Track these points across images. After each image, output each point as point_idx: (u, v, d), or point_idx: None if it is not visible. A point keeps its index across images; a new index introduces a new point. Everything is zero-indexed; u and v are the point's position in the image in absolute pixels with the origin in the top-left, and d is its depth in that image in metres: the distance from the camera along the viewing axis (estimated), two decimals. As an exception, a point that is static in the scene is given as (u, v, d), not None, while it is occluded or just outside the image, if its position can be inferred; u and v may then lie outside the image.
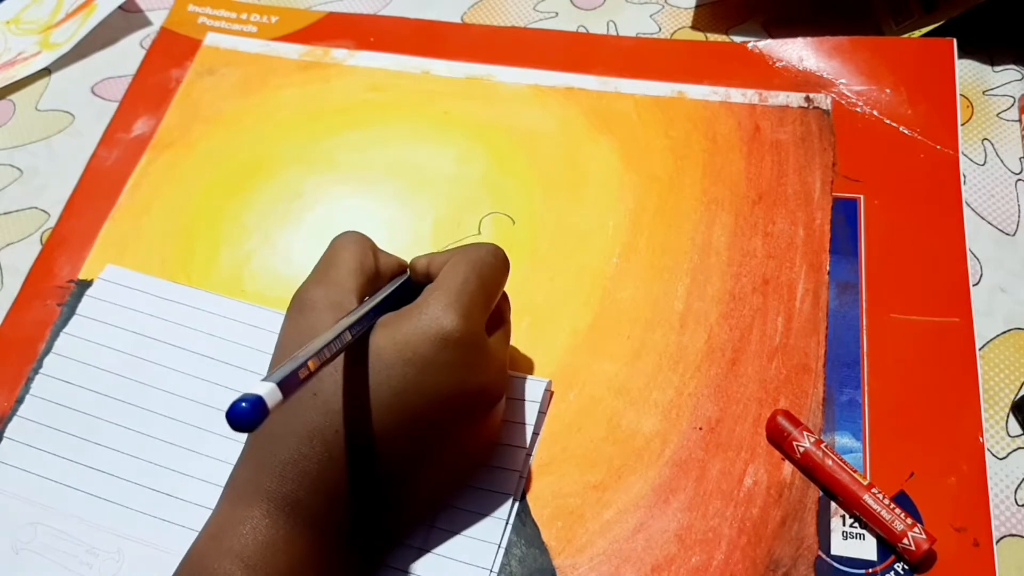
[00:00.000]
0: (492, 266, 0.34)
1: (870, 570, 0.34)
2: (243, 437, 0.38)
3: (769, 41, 0.50)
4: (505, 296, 0.36)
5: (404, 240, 0.45)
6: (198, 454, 0.38)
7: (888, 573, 0.33)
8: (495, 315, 0.35)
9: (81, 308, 0.43)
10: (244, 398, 0.23)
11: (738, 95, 0.48)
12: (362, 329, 0.31)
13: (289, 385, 0.25)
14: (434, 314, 0.31)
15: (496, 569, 0.34)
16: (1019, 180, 0.44)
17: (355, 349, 0.31)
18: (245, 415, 0.23)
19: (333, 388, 0.31)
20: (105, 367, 0.41)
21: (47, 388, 0.40)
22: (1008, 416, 0.37)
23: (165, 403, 0.39)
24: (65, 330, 0.42)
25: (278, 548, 0.29)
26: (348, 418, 0.30)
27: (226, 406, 0.38)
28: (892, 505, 0.34)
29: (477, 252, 0.34)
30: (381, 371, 0.31)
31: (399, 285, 0.35)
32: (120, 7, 0.56)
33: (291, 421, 0.30)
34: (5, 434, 0.39)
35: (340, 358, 0.31)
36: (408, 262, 0.37)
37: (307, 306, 0.33)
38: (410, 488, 0.33)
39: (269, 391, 0.24)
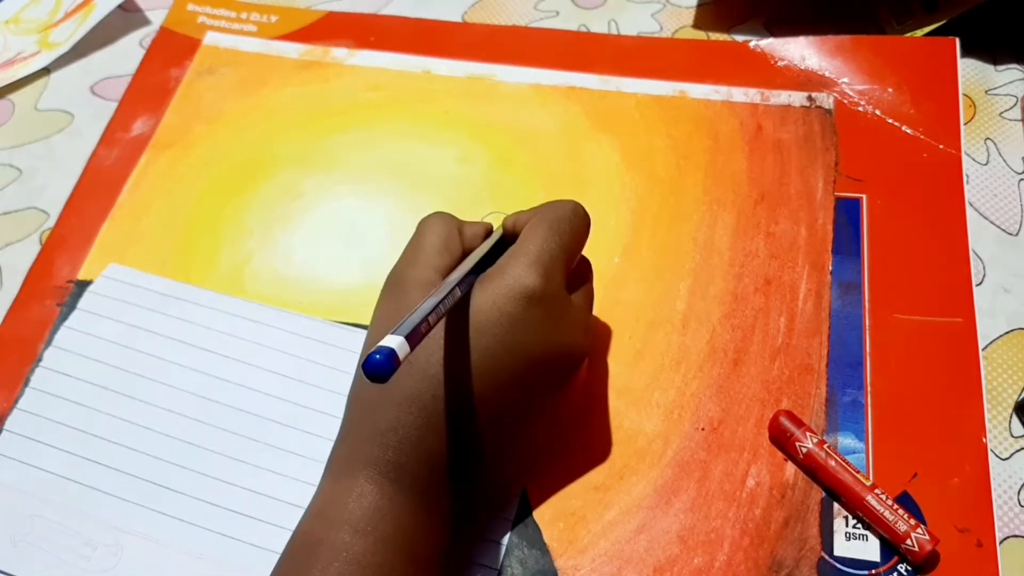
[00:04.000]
0: (571, 223, 0.35)
1: (873, 571, 0.33)
2: (242, 432, 0.38)
3: (771, 40, 0.50)
4: (585, 259, 0.37)
5: (404, 240, 0.44)
6: (197, 447, 0.38)
7: (891, 574, 0.33)
8: (576, 275, 0.36)
9: (82, 303, 0.43)
10: (378, 350, 0.24)
11: (740, 94, 0.48)
12: (468, 286, 0.32)
13: (414, 338, 0.26)
14: (516, 274, 0.32)
15: (498, 570, 0.34)
16: (1022, 180, 0.44)
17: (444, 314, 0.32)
18: (380, 365, 0.24)
19: (426, 354, 0.31)
20: (105, 360, 0.41)
21: (47, 381, 0.40)
22: (1011, 417, 0.37)
23: (165, 397, 0.39)
24: (66, 324, 0.42)
25: (384, 512, 0.30)
26: (443, 382, 0.31)
27: (226, 400, 0.39)
28: (895, 506, 0.34)
29: (555, 211, 0.35)
30: (471, 333, 0.31)
31: (495, 244, 0.36)
32: (119, 6, 0.56)
33: (388, 389, 0.31)
34: (4, 427, 0.39)
35: None
36: (495, 226, 0.38)
37: (398, 286, 0.34)
38: (503, 452, 0.34)
39: (399, 343, 0.25)
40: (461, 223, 0.37)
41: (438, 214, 0.37)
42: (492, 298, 0.32)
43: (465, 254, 0.36)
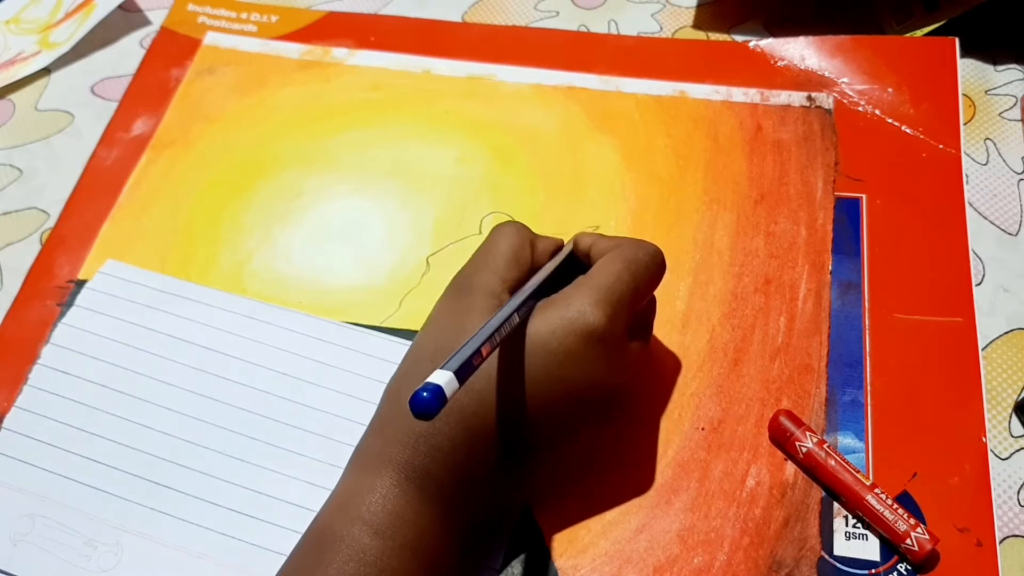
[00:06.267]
0: (647, 268, 0.34)
1: (873, 571, 0.33)
2: (242, 431, 0.38)
3: (771, 40, 0.50)
4: (653, 301, 0.36)
5: (404, 240, 0.44)
6: (197, 446, 0.38)
7: (891, 574, 0.33)
8: (640, 320, 0.35)
9: (80, 300, 0.43)
10: (425, 387, 0.24)
11: (740, 94, 0.48)
12: (528, 310, 0.32)
13: (464, 372, 0.26)
14: (581, 308, 0.32)
15: (498, 569, 0.34)
16: (1021, 180, 0.44)
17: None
18: (427, 404, 0.24)
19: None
20: (103, 358, 0.41)
21: (45, 379, 0.40)
22: (1011, 416, 0.37)
23: (164, 394, 0.39)
24: (63, 321, 0.42)
25: (407, 519, 0.30)
26: (487, 400, 0.31)
27: (226, 398, 0.39)
28: (895, 505, 0.34)
29: (635, 252, 0.34)
30: (524, 358, 0.31)
31: (562, 262, 0.35)
32: (120, 6, 0.56)
33: None
34: (3, 425, 0.39)
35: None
36: (566, 241, 0.37)
37: (463, 289, 0.34)
38: (531, 473, 0.34)
39: (448, 380, 0.25)
40: (534, 236, 0.36)
41: (513, 223, 0.36)
42: (551, 327, 0.31)
43: (534, 268, 0.35)
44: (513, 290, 0.33)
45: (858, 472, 0.35)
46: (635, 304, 0.34)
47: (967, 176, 0.44)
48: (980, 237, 0.42)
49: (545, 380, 0.31)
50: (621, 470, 0.36)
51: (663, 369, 0.39)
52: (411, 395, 0.24)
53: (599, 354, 0.32)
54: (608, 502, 0.36)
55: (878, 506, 0.34)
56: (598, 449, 0.37)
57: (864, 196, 0.43)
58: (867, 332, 0.39)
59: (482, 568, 0.34)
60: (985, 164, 0.45)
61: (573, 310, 0.31)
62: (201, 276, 0.44)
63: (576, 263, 0.36)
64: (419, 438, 0.30)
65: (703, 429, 0.37)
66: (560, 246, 0.37)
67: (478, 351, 0.27)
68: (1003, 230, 0.43)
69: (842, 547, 0.34)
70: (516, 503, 0.36)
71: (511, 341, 0.31)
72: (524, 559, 0.35)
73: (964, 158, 0.44)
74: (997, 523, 0.34)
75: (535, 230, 0.44)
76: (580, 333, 0.31)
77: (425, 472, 0.30)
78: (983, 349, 0.39)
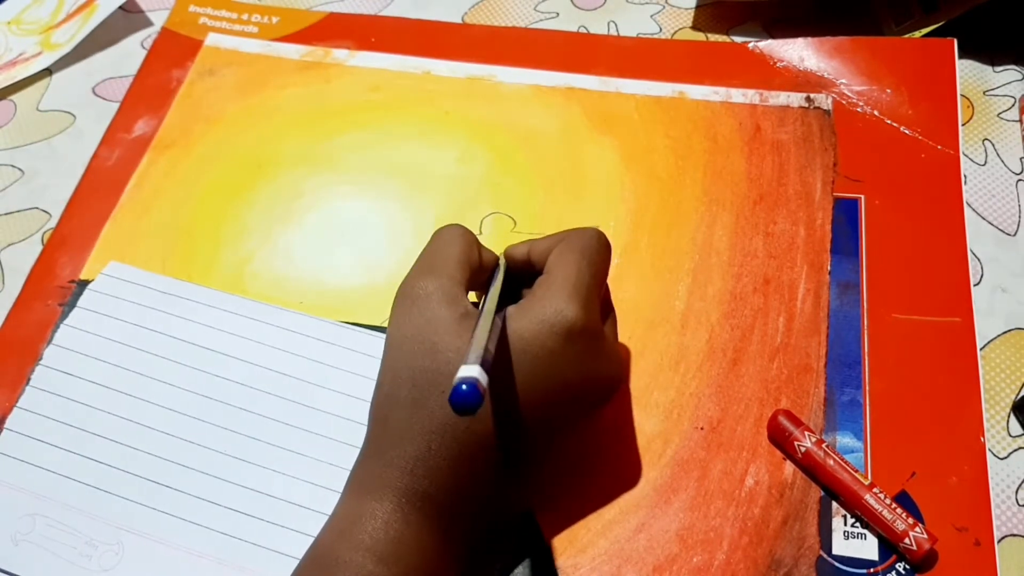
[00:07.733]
0: (599, 252, 0.34)
1: (871, 570, 0.34)
2: (243, 431, 0.38)
3: (770, 41, 0.50)
4: (607, 286, 0.36)
5: (405, 240, 0.45)
6: (198, 446, 0.38)
7: (889, 573, 0.33)
8: (604, 303, 0.35)
9: (82, 301, 0.43)
10: (463, 381, 0.24)
11: (739, 95, 0.48)
12: (501, 319, 0.31)
13: (486, 366, 0.25)
14: (556, 307, 0.31)
15: (499, 570, 0.34)
16: (1020, 180, 0.45)
17: None
18: (469, 397, 0.24)
19: None
20: (105, 359, 0.41)
21: (47, 379, 0.40)
22: (1009, 416, 0.37)
23: (165, 395, 0.40)
24: (66, 322, 0.42)
25: (409, 543, 0.29)
26: (478, 414, 0.30)
27: (227, 398, 0.39)
28: (893, 505, 0.34)
29: (582, 239, 0.34)
30: (509, 366, 0.31)
31: (504, 276, 0.35)
32: (121, 7, 0.56)
33: (420, 418, 0.30)
34: (5, 425, 0.39)
35: None
36: (501, 254, 0.37)
37: (421, 299, 0.32)
38: (530, 481, 0.34)
39: (480, 372, 0.24)
40: (478, 241, 0.35)
41: (456, 225, 0.35)
42: (533, 331, 0.31)
43: (481, 273, 0.35)
44: (467, 293, 0.33)
45: (857, 472, 0.35)
46: (600, 289, 0.34)
47: (965, 176, 0.44)
48: (978, 237, 0.42)
49: (535, 384, 0.31)
50: (616, 465, 0.37)
51: (638, 361, 0.39)
52: (450, 394, 0.24)
53: (583, 348, 0.31)
54: (607, 498, 0.36)
55: (876, 505, 0.34)
56: (594, 445, 0.37)
57: (863, 196, 0.43)
58: (866, 332, 0.39)
59: (483, 570, 0.34)
60: (983, 165, 0.45)
61: (550, 310, 0.31)
62: (202, 277, 0.44)
63: (513, 279, 0.35)
64: (416, 461, 0.30)
65: (702, 429, 0.37)
66: (496, 260, 0.36)
67: (486, 347, 0.26)
68: (1001, 230, 0.43)
69: (841, 546, 0.34)
70: (517, 505, 0.36)
71: (495, 354, 0.30)
72: (524, 559, 0.35)
73: (962, 159, 0.44)
74: (995, 522, 0.34)
75: (535, 231, 0.44)
76: (561, 332, 0.31)
77: (425, 495, 0.30)
78: (981, 349, 0.39)
